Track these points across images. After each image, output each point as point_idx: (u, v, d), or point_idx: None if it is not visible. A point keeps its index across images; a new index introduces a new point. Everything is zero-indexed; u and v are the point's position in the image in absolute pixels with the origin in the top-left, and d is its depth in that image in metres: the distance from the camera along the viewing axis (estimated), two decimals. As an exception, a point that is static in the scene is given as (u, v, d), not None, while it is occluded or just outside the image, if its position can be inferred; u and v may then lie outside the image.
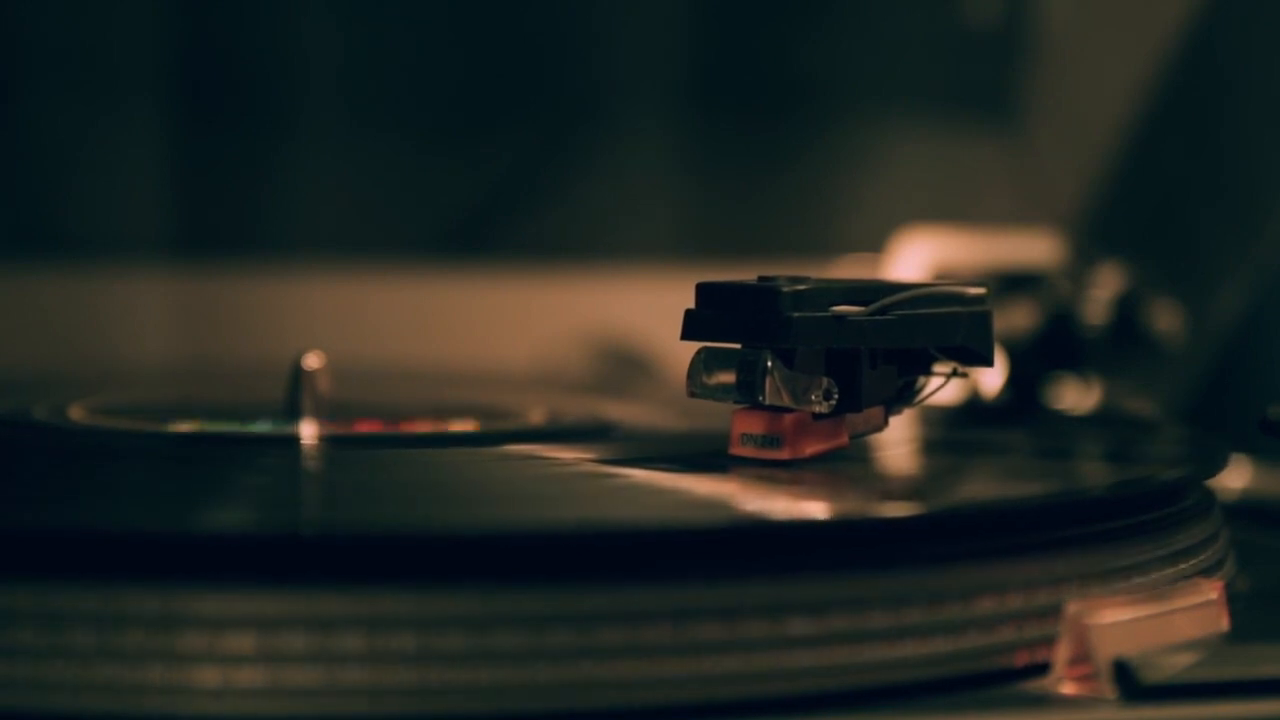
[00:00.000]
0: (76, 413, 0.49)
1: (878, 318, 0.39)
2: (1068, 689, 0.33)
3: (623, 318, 0.75)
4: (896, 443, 0.45)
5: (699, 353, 0.39)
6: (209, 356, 0.75)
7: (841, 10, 0.79)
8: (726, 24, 0.80)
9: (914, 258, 0.63)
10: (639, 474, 0.39)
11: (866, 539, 0.34)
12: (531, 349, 0.75)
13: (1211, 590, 0.36)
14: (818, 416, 0.39)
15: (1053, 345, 0.59)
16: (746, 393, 0.38)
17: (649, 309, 0.69)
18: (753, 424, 0.39)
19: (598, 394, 0.60)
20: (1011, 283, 0.60)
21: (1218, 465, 0.42)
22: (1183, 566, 0.38)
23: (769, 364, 0.38)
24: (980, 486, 0.42)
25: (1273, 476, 0.54)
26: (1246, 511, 0.51)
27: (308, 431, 0.46)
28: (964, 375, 0.41)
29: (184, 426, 0.48)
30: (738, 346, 0.39)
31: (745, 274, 0.40)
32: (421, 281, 0.77)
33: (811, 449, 0.39)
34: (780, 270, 0.41)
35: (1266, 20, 0.70)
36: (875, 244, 0.69)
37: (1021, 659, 0.34)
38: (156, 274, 0.75)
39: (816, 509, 0.36)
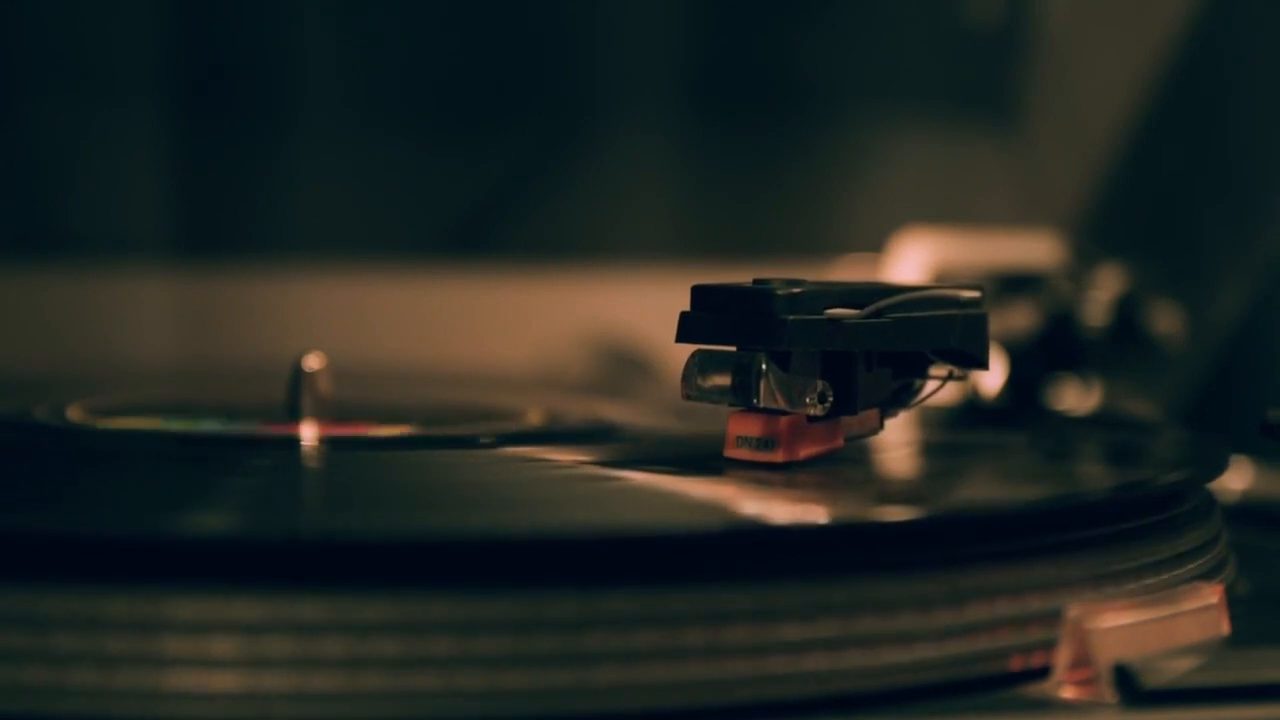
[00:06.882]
0: (76, 413, 0.49)
1: (872, 320, 0.39)
2: (1068, 693, 0.33)
3: (623, 318, 0.75)
4: (896, 444, 0.44)
5: (694, 355, 0.39)
6: (209, 356, 0.75)
7: (841, 11, 0.79)
8: (726, 24, 0.80)
9: (914, 258, 0.63)
10: (635, 476, 0.39)
11: (865, 543, 0.34)
12: (531, 349, 0.75)
13: (1212, 594, 0.36)
14: (813, 419, 0.39)
15: (1053, 346, 0.59)
16: (741, 395, 0.38)
17: (649, 309, 0.68)
18: (748, 426, 0.39)
19: (598, 394, 0.60)
20: (1011, 284, 0.60)
21: (1218, 468, 0.42)
22: (1183, 570, 0.38)
23: (764, 367, 0.38)
24: (980, 489, 0.42)
25: (1273, 479, 0.54)
26: (1247, 514, 0.51)
27: (307, 432, 0.45)
28: (960, 378, 0.41)
29: (183, 427, 0.48)
30: (733, 349, 0.39)
31: (745, 274, 0.40)
32: (421, 281, 0.77)
33: (807, 452, 0.39)
34: (779, 271, 0.41)
35: (1266, 20, 0.70)
36: (875, 244, 0.69)
37: (1022, 663, 0.34)
38: (156, 274, 0.75)
39: (815, 513, 0.36)
